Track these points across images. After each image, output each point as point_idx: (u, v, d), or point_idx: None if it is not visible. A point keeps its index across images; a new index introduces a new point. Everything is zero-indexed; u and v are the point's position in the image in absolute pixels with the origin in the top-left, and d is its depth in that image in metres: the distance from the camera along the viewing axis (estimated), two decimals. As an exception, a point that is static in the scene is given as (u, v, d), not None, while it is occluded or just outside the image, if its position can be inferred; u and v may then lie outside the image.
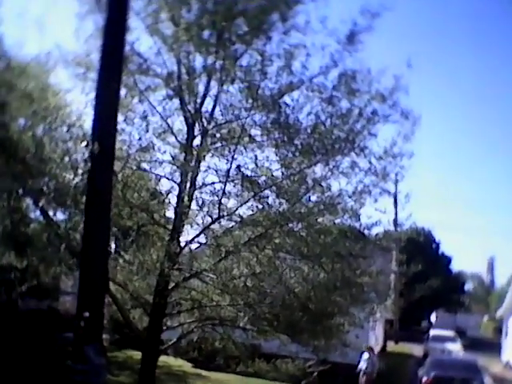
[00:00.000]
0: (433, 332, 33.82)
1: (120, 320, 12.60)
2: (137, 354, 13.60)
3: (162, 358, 14.44)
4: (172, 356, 19.35)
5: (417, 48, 57.98)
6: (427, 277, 37.96)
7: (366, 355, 17.93)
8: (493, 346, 35.94)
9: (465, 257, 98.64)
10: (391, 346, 34.75)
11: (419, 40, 66.70)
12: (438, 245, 48.70)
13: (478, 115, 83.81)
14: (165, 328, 11.87)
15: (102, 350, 8.69)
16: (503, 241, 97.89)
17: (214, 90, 10.59)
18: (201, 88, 10.62)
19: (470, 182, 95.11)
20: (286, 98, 10.28)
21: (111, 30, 8.51)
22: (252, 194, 10.30)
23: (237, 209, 10.58)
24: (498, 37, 76.02)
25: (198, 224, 10.83)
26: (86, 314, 8.24)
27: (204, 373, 19.48)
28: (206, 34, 10.09)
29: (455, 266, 51.05)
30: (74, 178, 8.65)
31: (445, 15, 75.50)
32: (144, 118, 10.49)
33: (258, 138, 10.47)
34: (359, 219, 10.87)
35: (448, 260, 48.84)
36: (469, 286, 61.75)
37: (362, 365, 18.38)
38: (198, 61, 10.43)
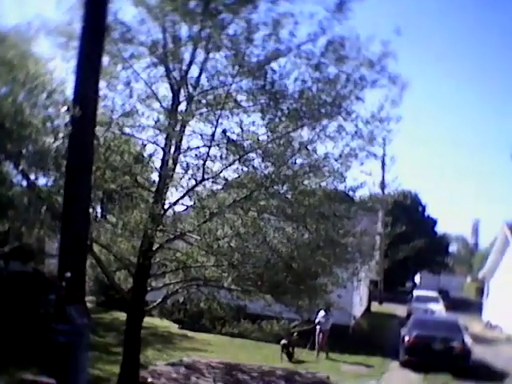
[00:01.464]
0: (416, 292, 34.44)
1: (105, 282, 12.65)
2: (123, 316, 13.74)
3: (148, 320, 14.62)
4: (158, 317, 19.59)
5: (406, 14, 57.17)
6: (412, 238, 38.64)
7: (322, 313, 18.40)
8: (474, 307, 36.86)
9: (450, 220, 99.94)
10: (375, 306, 35.45)
11: (409, 6, 66.03)
12: (423, 208, 49.23)
13: (467, 78, 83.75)
14: (149, 289, 11.95)
15: (84, 311, 8.62)
16: (488, 204, 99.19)
17: (199, 58, 10.52)
18: (186, 56, 10.57)
19: (458, 146, 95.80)
20: (273, 65, 10.24)
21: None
22: (237, 157, 10.28)
23: (221, 171, 10.58)
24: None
25: (182, 187, 10.82)
26: (68, 275, 8.17)
27: (190, 334, 19.80)
28: (192, 3, 9.96)
29: (440, 229, 51.88)
30: (54, 142, 8.54)
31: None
32: (127, 84, 10.46)
33: (244, 104, 10.41)
34: (344, 181, 10.92)
35: (433, 222, 49.40)
36: (453, 248, 62.87)
37: (319, 322, 18.93)
38: (184, 29, 10.37)
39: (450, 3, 77.44)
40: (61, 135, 8.57)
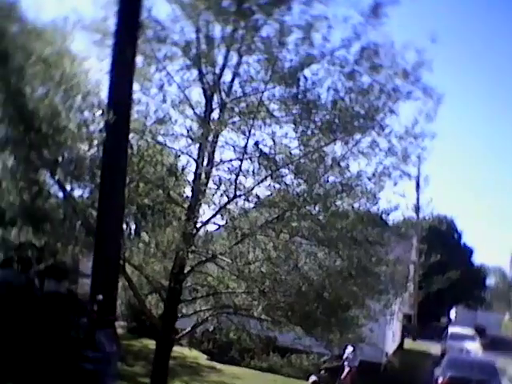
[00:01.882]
0: (451, 329, 33.22)
1: (137, 306, 12.52)
2: (152, 344, 13.57)
3: (177, 349, 14.40)
4: (187, 347, 19.34)
5: (443, 23, 55.97)
6: (448, 269, 36.80)
7: (349, 348, 17.84)
8: (514, 346, 35.37)
9: (487, 249, 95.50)
10: (409, 342, 34.34)
11: (446, 14, 64.81)
12: (459, 235, 47.07)
13: (508, 98, 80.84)
14: (180, 315, 11.77)
15: (114, 337, 8.43)
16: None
17: (232, 61, 10.34)
18: (219, 59, 10.39)
19: (497, 171, 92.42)
20: (306, 72, 10.03)
21: None
22: (269, 172, 10.07)
23: (253, 188, 10.37)
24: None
25: (214, 203, 10.65)
26: (100, 297, 8.00)
27: (218, 366, 19.40)
28: (225, 2, 9.82)
29: (477, 259, 49.55)
30: (89, 150, 8.45)
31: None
32: (161, 87, 10.27)
33: (277, 113, 10.21)
34: (378, 203, 10.65)
35: (470, 251, 47.25)
36: (490, 281, 60.07)
37: (347, 358, 18.38)
38: (217, 30, 10.20)
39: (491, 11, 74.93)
40: (95, 142, 8.38)
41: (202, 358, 20.45)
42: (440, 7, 69.15)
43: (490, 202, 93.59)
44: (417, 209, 24.85)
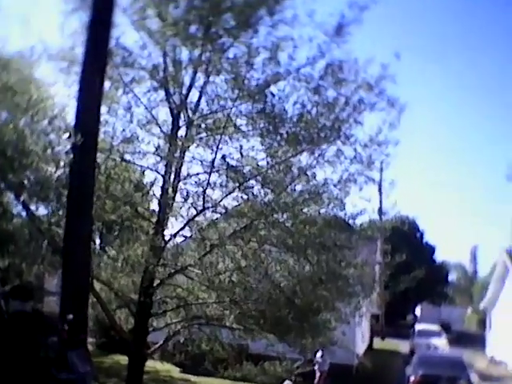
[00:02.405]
0: (418, 327, 33.80)
1: (105, 322, 12.38)
2: (124, 359, 13.36)
3: (149, 363, 14.15)
4: (159, 360, 19.09)
5: (406, 38, 58.04)
6: (412, 267, 37.54)
7: (319, 353, 18.03)
8: (477, 340, 36.12)
9: (448, 246, 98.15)
10: (378, 342, 34.78)
11: (408, 30, 66.92)
12: (422, 234, 47.83)
13: (464, 104, 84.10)
14: (151, 329, 11.69)
15: (87, 356, 8.28)
16: (486, 229, 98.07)
17: (199, 82, 10.62)
18: (186, 80, 10.65)
19: (454, 171, 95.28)
20: (273, 88, 10.34)
21: (96, 25, 8.52)
22: (237, 184, 10.24)
23: (222, 200, 10.52)
24: (488, 27, 76.19)
25: (182, 216, 10.76)
26: (70, 317, 7.86)
27: (192, 378, 19.18)
28: (192, 28, 10.13)
29: (439, 256, 50.59)
30: (56, 171, 8.48)
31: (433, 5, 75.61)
32: (128, 109, 10.48)
33: (244, 128, 10.46)
34: (344, 208, 10.85)
35: (432, 249, 47.99)
36: (453, 277, 61.50)
37: (317, 362, 18.59)
38: (184, 53, 10.52)
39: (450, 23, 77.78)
40: (62, 163, 8.46)
41: (175, 371, 20.20)
42: (404, 21, 71.22)
43: (450, 200, 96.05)
44: (380, 211, 25.44)
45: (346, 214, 11.01)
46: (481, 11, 75.98)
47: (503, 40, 78.01)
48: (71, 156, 8.10)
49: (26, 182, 8.44)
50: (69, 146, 8.23)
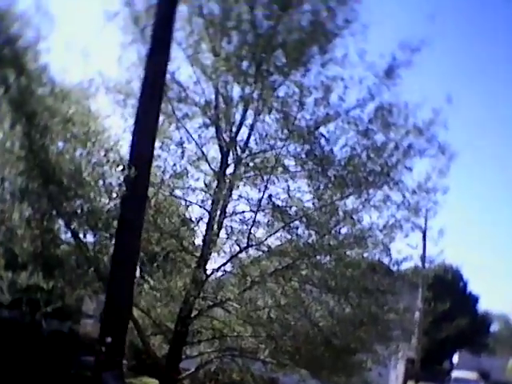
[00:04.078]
0: (455, 373, 32.77)
1: (138, 346, 12.47)
2: (152, 382, 13.41)
3: (179, 389, 14.18)
4: (188, 386, 19.00)
5: (458, 82, 57.05)
6: (453, 316, 37.13)
7: None
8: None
9: (492, 296, 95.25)
10: (411, 386, 33.73)
11: (461, 74, 65.81)
12: (465, 283, 47.84)
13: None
14: (184, 357, 11.68)
15: (121, 377, 8.44)
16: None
17: (249, 120, 10.65)
18: (237, 117, 10.69)
19: (500, 219, 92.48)
20: (322, 130, 10.30)
21: (154, 59, 8.60)
22: (282, 224, 10.23)
23: (266, 239, 10.51)
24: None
25: (224, 252, 10.78)
26: (109, 340, 8.04)
27: (220, 406, 19.06)
28: (244, 64, 10.17)
29: (482, 306, 49.71)
30: (108, 202, 8.65)
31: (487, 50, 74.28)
32: (180, 144, 10.57)
33: (292, 169, 10.45)
34: (389, 254, 10.74)
35: (475, 299, 47.99)
36: (495, 327, 59.82)
37: None
38: (236, 90, 10.55)
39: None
40: (114, 195, 8.62)
41: (204, 398, 20.05)
42: (457, 66, 70.05)
43: (496, 251, 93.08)
44: (423, 258, 25.01)
45: (390, 260, 10.87)
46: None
47: None
48: (124, 188, 8.24)
49: (78, 211, 8.63)
50: (122, 179, 8.39)
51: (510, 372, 49.70)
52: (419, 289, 28.14)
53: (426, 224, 11.68)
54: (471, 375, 32.33)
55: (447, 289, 40.55)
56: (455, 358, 48.29)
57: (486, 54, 75.10)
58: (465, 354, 47.08)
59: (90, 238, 9.58)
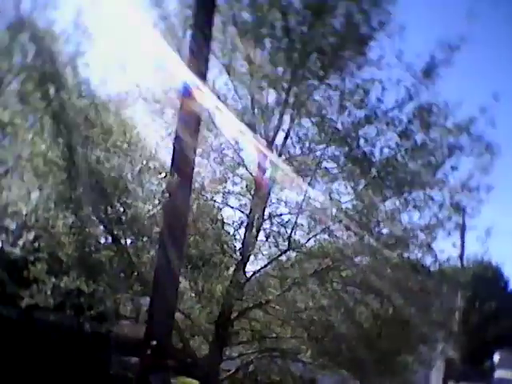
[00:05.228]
0: (498, 373, 32.04)
1: (177, 346, 12.59)
2: (190, 382, 13.50)
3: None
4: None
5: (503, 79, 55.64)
6: (494, 315, 36.97)
7: None
8: None
9: None
10: (451, 385, 33.18)
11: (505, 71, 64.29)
12: (506, 282, 46.62)
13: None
14: (224, 358, 11.68)
15: (167, 380, 8.54)
16: None
17: (286, 124, 10.64)
18: (274, 122, 10.71)
19: None
20: (361, 132, 10.25)
21: (193, 68, 8.65)
22: (322, 226, 10.20)
23: (307, 241, 10.50)
24: None
25: (263, 254, 10.88)
26: (154, 343, 8.07)
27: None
28: (279, 70, 10.25)
29: None
30: (152, 209, 8.78)
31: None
32: (219, 151, 10.72)
33: (332, 171, 10.48)
34: (433, 254, 10.64)
35: None
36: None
37: None
38: (272, 96, 10.57)
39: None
40: (156, 202, 8.74)
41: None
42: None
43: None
44: (461, 257, 24.83)
45: (435, 260, 10.72)
46: None
47: None
48: (166, 195, 8.35)
49: (122, 218, 8.77)
50: (164, 186, 8.53)
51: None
52: (459, 288, 27.67)
53: (464, 222, 11.44)
54: (516, 376, 31.56)
55: (488, 288, 39.78)
56: (496, 357, 47.31)
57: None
58: (506, 353, 46.07)
59: (130, 243, 9.76)
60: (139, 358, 8.72)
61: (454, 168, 10.12)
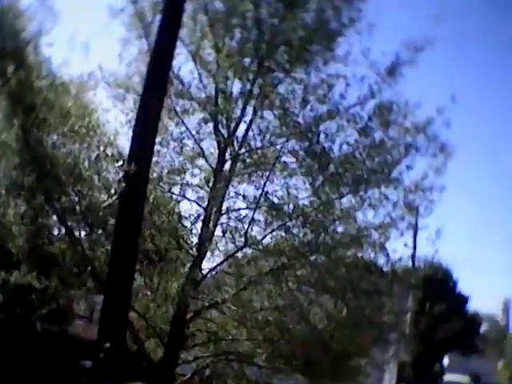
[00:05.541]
0: (447, 377, 32.79)
1: (132, 349, 12.31)
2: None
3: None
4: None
5: (460, 81, 57.17)
6: (444, 317, 37.42)
7: None
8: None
9: (481, 296, 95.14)
10: (403, 389, 33.69)
11: (463, 73, 65.99)
12: (455, 283, 47.61)
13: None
14: (180, 362, 11.48)
15: None
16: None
17: (248, 116, 10.57)
18: (237, 113, 10.62)
19: (491, 221, 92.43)
20: (321, 127, 10.26)
21: (159, 55, 8.67)
22: (280, 222, 10.14)
23: (264, 238, 10.41)
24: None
25: (219, 250, 10.70)
26: (107, 345, 7.82)
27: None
28: (246, 61, 10.21)
29: (472, 306, 49.75)
30: (108, 199, 8.54)
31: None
32: (179, 140, 10.56)
33: (291, 166, 10.43)
34: (386, 254, 10.65)
35: (465, 300, 47.72)
36: (484, 328, 59.93)
37: None
38: (236, 86, 10.53)
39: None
40: (113, 191, 8.50)
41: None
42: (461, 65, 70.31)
43: (486, 252, 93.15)
44: (413, 258, 25.83)
45: (387, 260, 10.77)
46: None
47: None
48: (123, 184, 8.11)
49: (76, 207, 8.50)
50: (121, 175, 8.28)
51: (499, 374, 49.89)
52: (410, 290, 28.26)
53: (416, 223, 11.62)
54: (463, 378, 32.36)
55: (438, 289, 40.35)
56: (445, 361, 48.37)
57: (489, 54, 75.43)
58: (455, 357, 47.14)
59: (84, 236, 9.46)
60: (92, 362, 8.37)
61: (409, 167, 10.23)
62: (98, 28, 9.52)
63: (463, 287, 49.68)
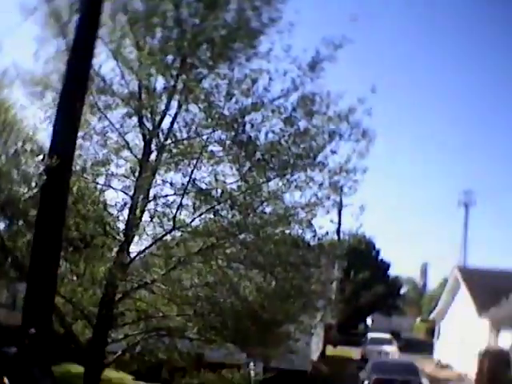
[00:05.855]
0: (370, 335, 34.71)
1: (59, 332, 12.15)
2: (74, 368, 13.01)
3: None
4: (114, 369, 18.70)
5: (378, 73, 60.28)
6: (368, 282, 39.90)
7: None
8: (425, 347, 37.57)
9: (402, 263, 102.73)
10: (330, 349, 35.34)
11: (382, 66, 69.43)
12: (377, 252, 50.78)
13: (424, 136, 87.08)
14: (110, 341, 11.48)
15: (49, 371, 8.19)
16: (435, 248, 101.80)
17: (173, 110, 10.71)
18: (161, 107, 10.74)
19: (410, 196, 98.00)
20: (247, 118, 10.51)
21: (78, 53, 8.69)
22: (208, 206, 10.39)
23: (192, 221, 10.60)
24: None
25: (147, 234, 10.79)
26: (32, 331, 7.80)
27: (146, 385, 18.96)
28: (169, 58, 10.35)
29: (393, 271, 53.33)
30: (27, 192, 8.38)
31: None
32: (102, 134, 10.59)
33: (218, 154, 10.62)
34: (313, 230, 11.10)
35: (387, 266, 51.01)
36: (404, 290, 64.29)
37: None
38: (160, 82, 10.66)
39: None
40: (33, 184, 8.35)
41: (128, 379, 19.86)
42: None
43: (406, 222, 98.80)
44: (338, 232, 29.17)
45: (314, 235, 11.23)
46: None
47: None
48: (44, 177, 8.08)
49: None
50: (42, 168, 8.23)
51: (417, 329, 53.88)
52: (336, 260, 29.76)
53: (341, 201, 12.22)
54: (385, 336, 34.32)
55: (362, 258, 42.90)
56: (369, 321, 51.20)
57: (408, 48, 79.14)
58: (377, 317, 50.12)
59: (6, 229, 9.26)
60: (17, 348, 8.26)
61: (333, 152, 10.71)
62: (10, 27, 9.16)
63: (385, 256, 52.90)
